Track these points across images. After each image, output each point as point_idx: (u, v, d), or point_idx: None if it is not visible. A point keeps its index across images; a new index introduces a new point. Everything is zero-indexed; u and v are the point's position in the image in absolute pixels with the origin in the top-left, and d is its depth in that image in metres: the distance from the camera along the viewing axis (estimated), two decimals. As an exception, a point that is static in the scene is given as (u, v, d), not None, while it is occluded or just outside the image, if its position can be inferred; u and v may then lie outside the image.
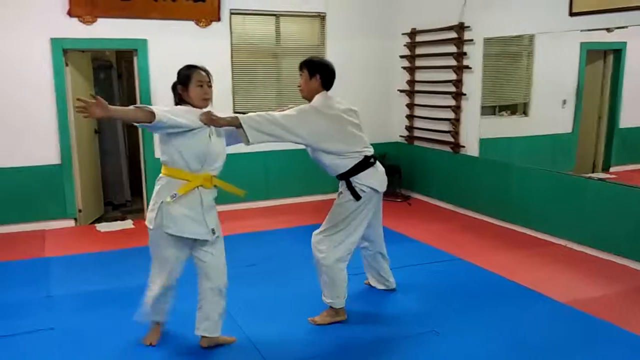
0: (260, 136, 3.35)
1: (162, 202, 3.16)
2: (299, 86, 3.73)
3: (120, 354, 3.42)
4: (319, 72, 3.64)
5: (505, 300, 4.16)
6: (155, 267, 3.37)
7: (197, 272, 3.41)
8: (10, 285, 4.44)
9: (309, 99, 3.68)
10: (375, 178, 3.71)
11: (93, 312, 3.97)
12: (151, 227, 3.23)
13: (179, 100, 3.26)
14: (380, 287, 4.30)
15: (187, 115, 3.09)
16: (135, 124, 3.02)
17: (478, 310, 3.98)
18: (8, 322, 3.79)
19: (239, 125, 3.29)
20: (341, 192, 3.73)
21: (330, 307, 3.79)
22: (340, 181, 3.74)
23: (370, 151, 3.73)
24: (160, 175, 3.25)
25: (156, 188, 3.25)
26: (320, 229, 3.79)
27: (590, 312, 3.91)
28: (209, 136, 3.17)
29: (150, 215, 3.25)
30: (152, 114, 2.89)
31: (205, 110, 3.19)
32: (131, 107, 2.99)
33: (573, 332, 3.68)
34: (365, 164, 3.67)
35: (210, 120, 3.14)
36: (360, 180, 3.65)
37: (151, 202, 3.27)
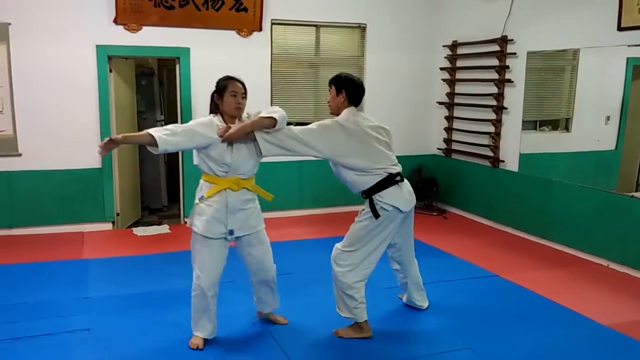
0: (274, 149, 3.38)
1: (195, 204, 3.45)
2: (328, 102, 3.75)
3: (155, 356, 3.44)
4: (345, 89, 3.63)
5: (543, 320, 4.04)
6: (195, 269, 3.49)
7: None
8: (49, 286, 4.53)
9: (337, 115, 3.67)
10: (399, 197, 3.60)
11: (129, 315, 4.02)
12: (192, 228, 3.48)
13: (215, 108, 3.45)
14: (412, 305, 4.23)
15: (204, 131, 3.27)
16: (148, 147, 3.29)
17: (515, 329, 3.89)
18: (45, 321, 3.86)
19: (254, 138, 3.33)
20: (363, 209, 3.67)
21: (355, 322, 3.73)
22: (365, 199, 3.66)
23: (396, 169, 3.63)
24: (200, 180, 3.48)
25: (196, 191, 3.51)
26: (341, 243, 3.73)
27: (633, 336, 3.77)
28: (232, 145, 3.31)
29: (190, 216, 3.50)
30: (156, 142, 3.15)
31: (223, 125, 3.34)
32: (145, 131, 3.27)
33: (615, 356, 3.55)
34: (389, 181, 3.57)
35: (227, 135, 3.27)
36: (383, 198, 3.55)
37: None
